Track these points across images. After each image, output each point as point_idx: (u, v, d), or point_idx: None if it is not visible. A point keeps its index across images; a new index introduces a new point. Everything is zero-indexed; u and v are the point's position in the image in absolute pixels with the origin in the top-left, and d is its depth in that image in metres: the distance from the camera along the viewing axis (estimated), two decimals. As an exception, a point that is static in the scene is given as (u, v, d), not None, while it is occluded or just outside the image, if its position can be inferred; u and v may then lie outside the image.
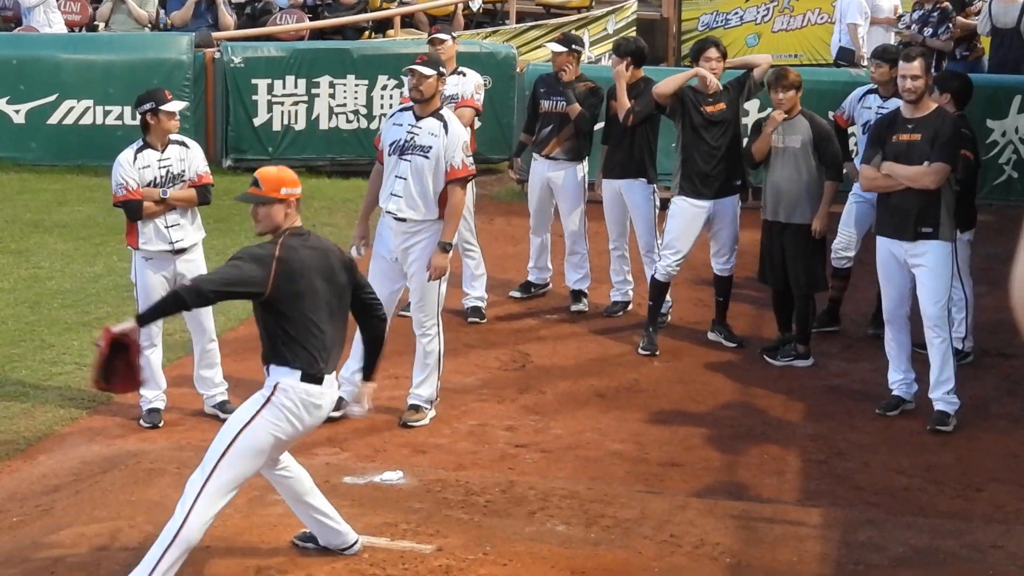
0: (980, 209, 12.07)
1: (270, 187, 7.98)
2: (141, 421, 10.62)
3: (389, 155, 10.57)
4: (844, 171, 12.20)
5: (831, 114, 13.09)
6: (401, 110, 10.81)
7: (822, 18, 20.83)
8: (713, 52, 12.25)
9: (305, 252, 7.94)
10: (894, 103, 11.72)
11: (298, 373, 7.86)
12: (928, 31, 18.13)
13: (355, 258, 9.48)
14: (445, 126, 10.51)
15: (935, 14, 18.24)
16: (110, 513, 9.02)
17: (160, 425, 10.61)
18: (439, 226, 10.49)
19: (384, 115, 16.84)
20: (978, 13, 18.55)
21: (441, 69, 10.59)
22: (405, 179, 10.47)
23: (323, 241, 8.22)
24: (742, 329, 12.72)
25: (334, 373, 8.10)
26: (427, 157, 10.43)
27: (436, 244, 10.44)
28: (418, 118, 10.54)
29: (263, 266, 7.82)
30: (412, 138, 10.49)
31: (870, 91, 12.60)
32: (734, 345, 12.44)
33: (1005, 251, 14.89)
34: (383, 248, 10.67)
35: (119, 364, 7.82)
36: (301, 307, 7.86)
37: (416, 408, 10.74)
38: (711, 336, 12.60)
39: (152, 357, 10.51)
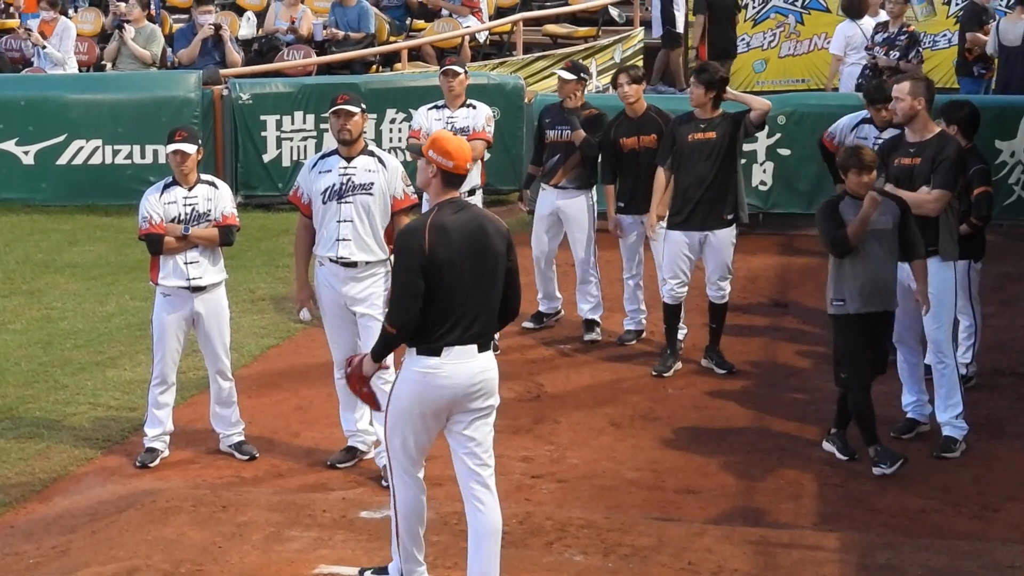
0: (989, 229, 12.02)
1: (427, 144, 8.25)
2: (137, 460, 10.58)
3: (325, 203, 10.21)
4: None
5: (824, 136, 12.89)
6: (322, 157, 10.43)
7: (828, 43, 20.77)
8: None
9: (453, 220, 8.32)
10: (890, 134, 11.67)
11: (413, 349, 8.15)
12: (895, 54, 17.42)
13: (306, 320, 10.38)
14: (380, 160, 10.29)
15: (901, 38, 17.60)
16: (127, 552, 9.02)
17: (151, 466, 10.50)
18: (386, 267, 10.20)
19: (392, 149, 16.89)
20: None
21: (363, 106, 10.37)
22: (351, 221, 10.15)
23: (477, 210, 8.78)
24: (757, 355, 12.72)
25: (473, 345, 8.47)
26: (371, 194, 10.16)
27: (384, 280, 10.16)
28: (348, 159, 10.24)
29: (418, 236, 8.09)
30: (348, 180, 10.17)
31: (864, 120, 12.49)
32: (724, 372, 12.42)
33: (1016, 270, 14.93)
34: (331, 298, 10.30)
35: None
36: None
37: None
38: (703, 363, 12.57)
39: (163, 397, 10.54)
